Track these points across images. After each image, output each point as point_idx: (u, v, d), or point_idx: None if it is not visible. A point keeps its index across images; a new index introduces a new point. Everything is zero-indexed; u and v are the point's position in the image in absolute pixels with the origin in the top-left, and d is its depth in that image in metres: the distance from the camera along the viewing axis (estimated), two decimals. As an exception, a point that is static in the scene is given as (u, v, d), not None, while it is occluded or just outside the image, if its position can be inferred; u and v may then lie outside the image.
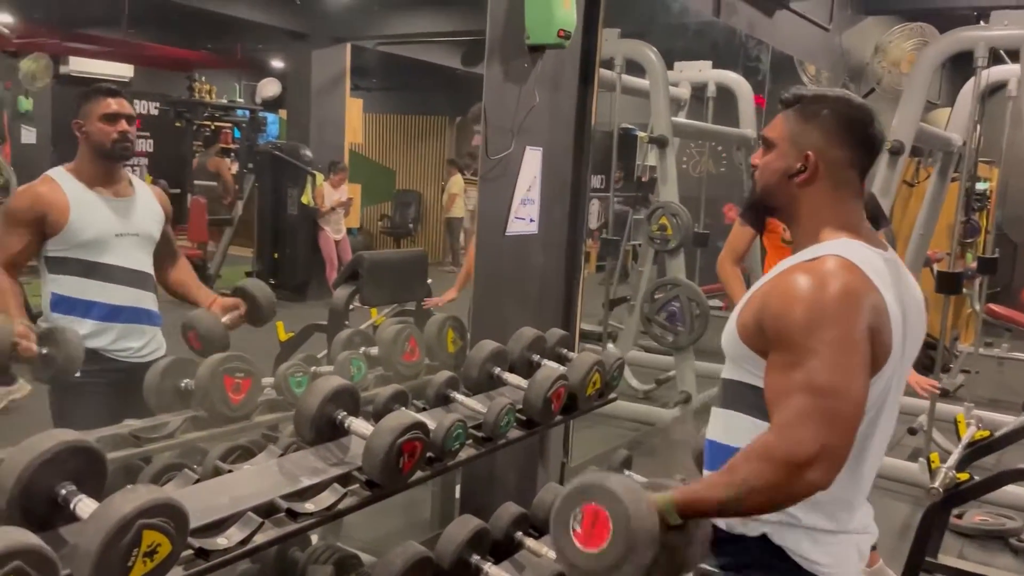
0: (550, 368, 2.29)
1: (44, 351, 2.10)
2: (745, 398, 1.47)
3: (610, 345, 6.02)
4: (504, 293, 2.71)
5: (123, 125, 2.44)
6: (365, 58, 9.60)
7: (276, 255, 8.73)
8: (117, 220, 2.47)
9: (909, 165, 6.38)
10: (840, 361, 1.31)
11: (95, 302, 2.42)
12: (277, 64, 12.06)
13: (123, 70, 13.54)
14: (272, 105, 11.57)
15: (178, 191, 10.65)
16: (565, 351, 2.62)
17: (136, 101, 13.25)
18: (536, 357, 2.46)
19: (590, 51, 2.93)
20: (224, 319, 2.48)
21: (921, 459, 4.16)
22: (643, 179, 7.66)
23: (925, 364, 4.63)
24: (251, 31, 9.61)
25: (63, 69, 12.68)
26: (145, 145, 13.51)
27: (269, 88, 12.18)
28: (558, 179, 2.93)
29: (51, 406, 2.48)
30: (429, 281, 4.30)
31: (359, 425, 1.75)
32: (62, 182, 2.42)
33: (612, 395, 2.59)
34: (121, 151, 2.46)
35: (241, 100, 14.26)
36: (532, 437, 2.23)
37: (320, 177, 8.35)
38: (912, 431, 4.60)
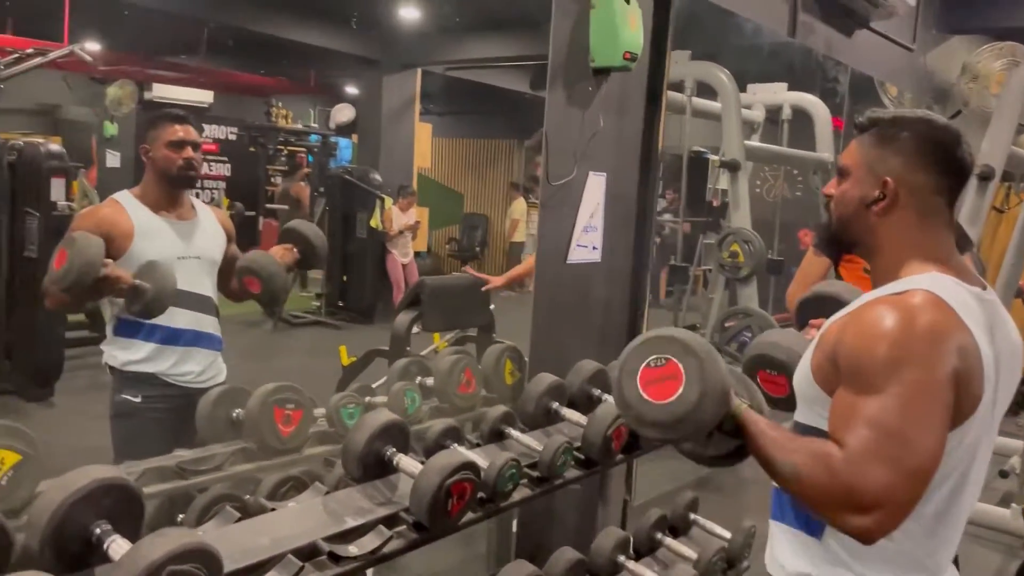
0: (611, 404, 2.18)
1: (137, 282, 2.16)
2: None
3: (678, 374, 5.84)
4: (564, 323, 2.61)
5: (188, 152, 2.45)
6: (435, 83, 9.69)
7: (345, 278, 8.81)
8: (179, 243, 2.48)
9: (999, 190, 6.06)
10: (918, 407, 1.19)
11: (156, 325, 2.41)
12: (351, 90, 12.29)
13: (203, 96, 13.99)
14: (346, 130, 11.77)
15: (252, 213, 10.92)
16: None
17: (215, 126, 13.70)
18: (597, 392, 2.35)
19: (657, 73, 2.83)
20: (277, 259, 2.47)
21: (1014, 505, 3.88)
22: (714, 203, 7.49)
23: (1017, 401, 4.33)
24: (325, 58, 9.79)
25: (147, 95, 13.16)
26: (223, 169, 13.93)
27: (343, 114, 12.41)
28: (623, 205, 2.83)
29: (112, 431, 2.49)
30: (492, 307, 4.24)
31: (408, 463, 1.68)
32: (127, 205, 2.44)
33: (678, 432, 2.46)
34: (186, 178, 2.47)
35: (315, 125, 14.59)
36: (592, 476, 2.12)
37: (389, 201, 8.41)
38: (1003, 474, 4.31)
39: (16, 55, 6.77)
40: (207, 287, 2.56)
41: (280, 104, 14.01)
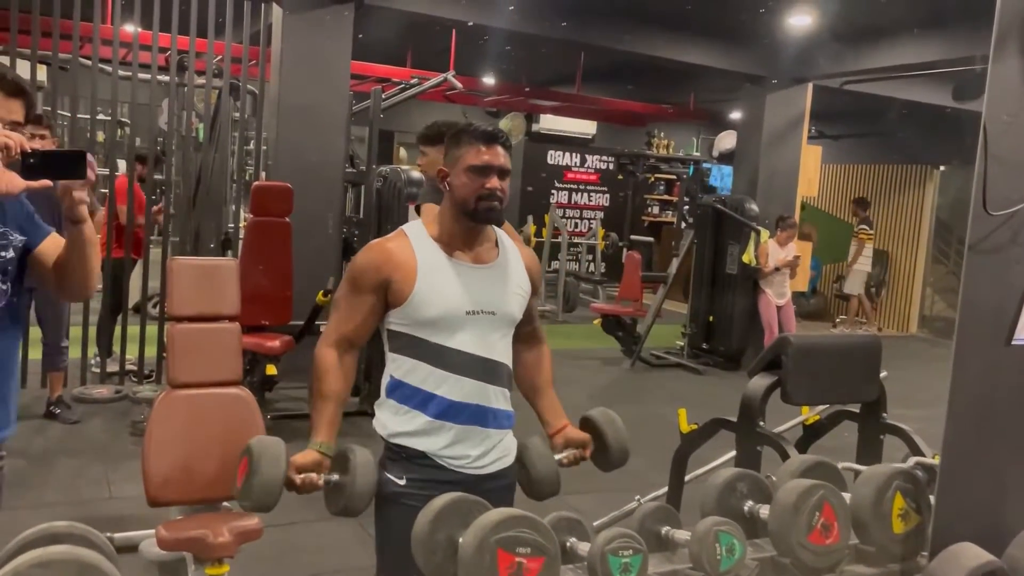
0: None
1: (335, 477, 1.79)
2: None
3: None
4: (1001, 444, 1.59)
5: (494, 181, 1.90)
6: (828, 99, 8.46)
7: (711, 318, 8.00)
8: (470, 294, 1.92)
9: None
10: None
11: (433, 395, 1.91)
12: (733, 116, 11.49)
13: (587, 127, 14.21)
14: (729, 158, 11.03)
15: (625, 244, 10.60)
16: None
17: (596, 157, 13.76)
18: (1067, 584, 1.33)
19: None
20: (560, 456, 1.93)
21: None
22: None
23: None
24: (705, 77, 9.10)
25: (535, 127, 13.68)
26: (601, 199, 13.98)
27: (727, 141, 11.64)
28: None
29: (375, 519, 2.05)
30: (883, 374, 3.22)
31: None
32: (414, 239, 1.95)
33: None
34: (486, 212, 1.91)
35: (698, 154, 14.01)
36: None
37: (765, 233, 7.43)
38: None
39: (402, 85, 7.12)
40: (499, 350, 1.97)
41: (661, 134, 13.69)
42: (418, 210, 3.51)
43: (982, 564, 1.31)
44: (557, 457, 1.89)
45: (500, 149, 1.91)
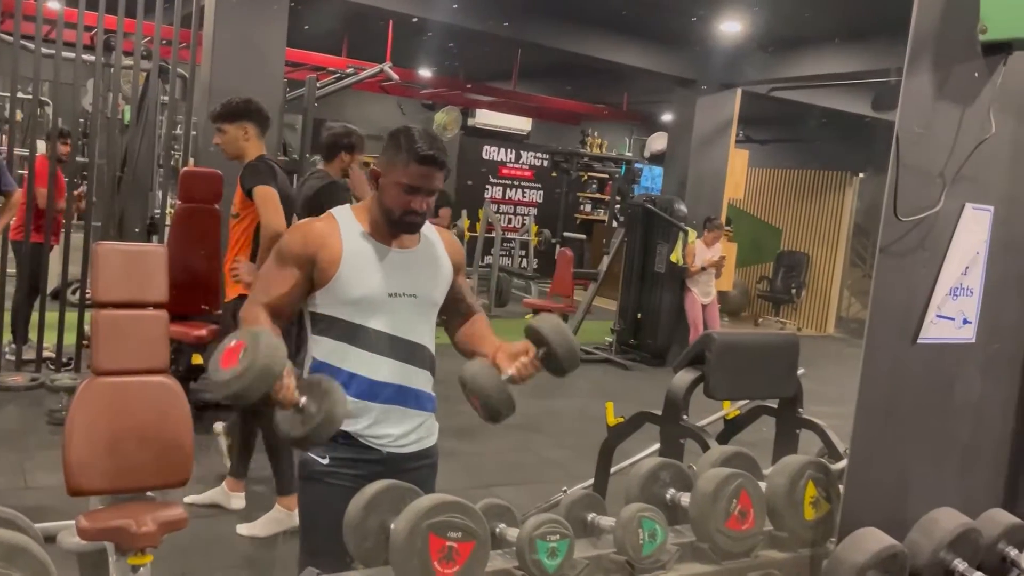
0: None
1: (302, 401, 1.71)
2: None
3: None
4: (905, 436, 1.69)
5: (418, 201, 1.94)
6: (756, 105, 8.71)
7: (639, 315, 8.16)
8: (393, 277, 1.97)
9: None
10: None
11: (354, 375, 1.95)
12: (665, 118, 11.71)
13: (523, 124, 14.28)
14: (660, 159, 11.26)
15: (557, 241, 10.71)
16: (1014, 553, 1.53)
17: (531, 153, 13.79)
18: (961, 566, 1.42)
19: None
20: (509, 370, 1.88)
21: None
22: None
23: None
24: (638, 79, 9.25)
25: (470, 121, 13.67)
26: (535, 196, 14.08)
27: (658, 142, 11.85)
28: (1022, 258, 1.83)
29: (299, 495, 2.07)
30: (801, 371, 3.35)
31: None
32: (342, 223, 1.98)
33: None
34: (407, 226, 1.98)
35: (630, 154, 14.21)
36: None
37: (692, 234, 7.61)
38: None
39: (337, 74, 7.05)
40: (420, 333, 2.02)
41: (595, 133, 13.86)
42: (249, 194, 3.54)
43: (885, 548, 1.40)
44: (505, 376, 1.85)
45: (435, 172, 1.92)
